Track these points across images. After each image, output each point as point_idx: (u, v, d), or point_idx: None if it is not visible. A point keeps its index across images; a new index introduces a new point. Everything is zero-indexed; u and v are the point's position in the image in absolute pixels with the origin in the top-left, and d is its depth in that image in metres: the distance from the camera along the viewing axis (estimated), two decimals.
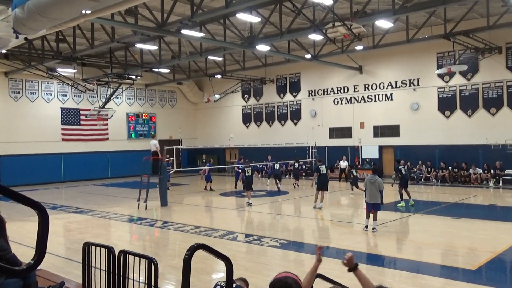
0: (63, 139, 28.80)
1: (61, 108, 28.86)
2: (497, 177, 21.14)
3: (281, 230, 12.80)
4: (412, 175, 23.46)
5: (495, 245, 9.80)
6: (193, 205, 18.06)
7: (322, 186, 15.70)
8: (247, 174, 17.19)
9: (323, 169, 15.94)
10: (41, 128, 27.75)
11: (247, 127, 32.82)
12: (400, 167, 16.12)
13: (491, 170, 21.38)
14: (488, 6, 18.37)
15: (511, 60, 21.33)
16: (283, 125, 30.63)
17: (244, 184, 17.63)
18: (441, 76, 23.25)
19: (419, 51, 23.59)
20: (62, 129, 28.84)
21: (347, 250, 9.98)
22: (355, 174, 19.53)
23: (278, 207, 17.18)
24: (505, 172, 21.20)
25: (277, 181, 21.59)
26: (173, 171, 21.40)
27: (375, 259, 9.35)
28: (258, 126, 32.08)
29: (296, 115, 29.89)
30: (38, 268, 2.44)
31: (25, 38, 15.07)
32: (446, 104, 23.43)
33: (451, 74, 22.71)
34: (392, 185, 17.28)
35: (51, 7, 7.81)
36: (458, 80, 22.91)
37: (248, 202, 16.75)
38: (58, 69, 25.48)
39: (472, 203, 16.87)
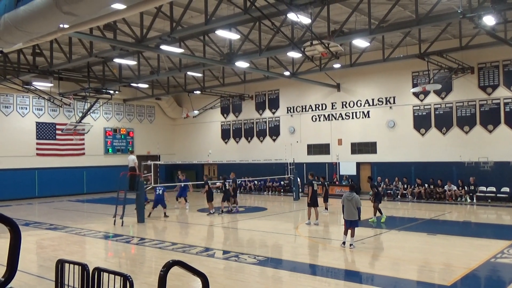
0: (37, 154, 28.23)
1: (36, 122, 28.35)
2: (471, 194, 21.57)
3: (259, 246, 12.74)
4: (389, 191, 23.75)
5: (469, 261, 9.96)
6: (170, 221, 17.84)
7: (314, 202, 15.57)
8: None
9: (315, 186, 15.88)
10: (15, 142, 27.15)
11: (226, 143, 32.80)
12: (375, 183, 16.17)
13: (465, 186, 21.82)
14: (460, 28, 19.01)
15: (483, 79, 22.00)
16: (262, 141, 30.72)
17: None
18: (416, 94, 23.80)
19: (395, 70, 24.14)
20: (37, 143, 28.28)
21: (325, 267, 10.02)
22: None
23: (255, 223, 17.11)
24: (479, 189, 21.65)
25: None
26: (150, 187, 21.11)
27: (353, 276, 9.38)
28: (237, 142, 32.10)
29: (274, 132, 30.05)
30: (9, 286, 2.38)
31: (1, 51, 14.86)
32: (421, 122, 23.92)
33: (426, 93, 23.28)
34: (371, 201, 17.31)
35: (28, 20, 7.73)
36: (432, 99, 23.46)
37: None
38: (34, 83, 25.10)
39: (447, 220, 17.12)
